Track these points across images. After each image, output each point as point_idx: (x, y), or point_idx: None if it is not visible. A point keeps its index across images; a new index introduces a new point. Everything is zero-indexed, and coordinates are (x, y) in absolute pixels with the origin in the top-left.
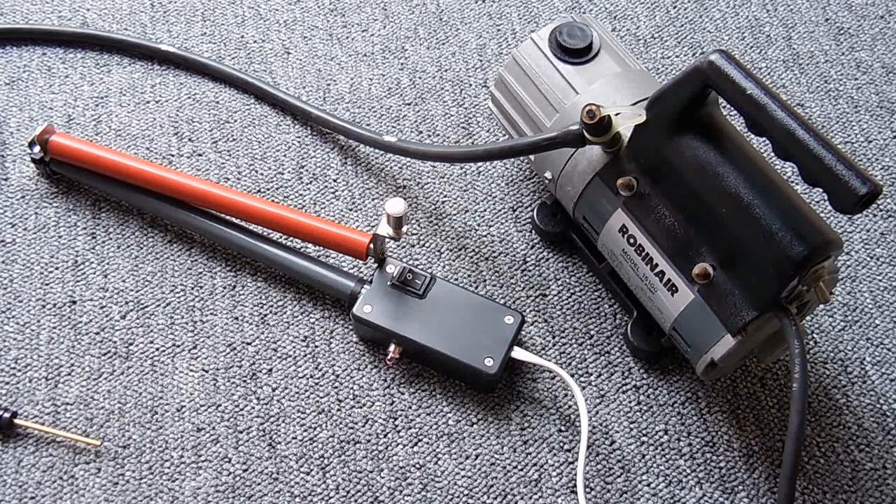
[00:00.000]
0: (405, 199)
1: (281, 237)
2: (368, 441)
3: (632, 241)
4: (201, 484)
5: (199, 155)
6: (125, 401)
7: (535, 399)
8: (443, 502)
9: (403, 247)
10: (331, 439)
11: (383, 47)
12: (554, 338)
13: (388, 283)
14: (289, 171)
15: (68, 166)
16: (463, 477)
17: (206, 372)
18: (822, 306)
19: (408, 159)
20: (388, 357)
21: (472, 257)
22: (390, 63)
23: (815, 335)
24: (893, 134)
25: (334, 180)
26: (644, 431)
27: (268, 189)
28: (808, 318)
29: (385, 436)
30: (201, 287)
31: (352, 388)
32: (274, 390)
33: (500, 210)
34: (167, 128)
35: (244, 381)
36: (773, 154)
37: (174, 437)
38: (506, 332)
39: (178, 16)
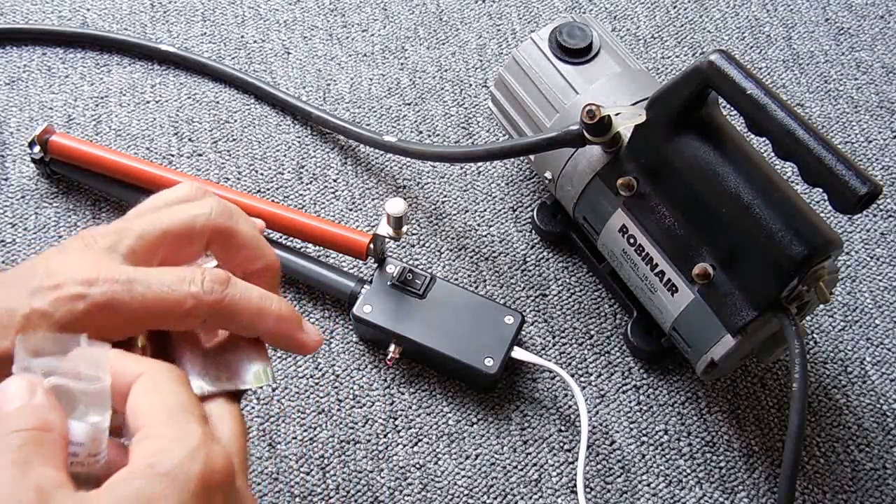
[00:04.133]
0: (405, 199)
1: (281, 237)
2: (368, 441)
3: (632, 241)
4: None
5: (199, 155)
6: None
7: (535, 399)
8: (443, 502)
9: (403, 247)
10: (331, 439)
11: (383, 47)
12: (554, 338)
13: (388, 283)
14: (289, 171)
15: (68, 166)
16: (463, 477)
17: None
18: (822, 306)
19: (408, 159)
20: (388, 357)
21: (472, 257)
22: (390, 63)
23: (815, 335)
24: (893, 134)
25: (334, 180)
26: (644, 431)
27: (268, 189)
28: (808, 318)
29: (385, 436)
30: None
31: (352, 388)
32: (274, 390)
33: (500, 210)
34: (167, 128)
35: None
36: (773, 154)
37: None
38: (506, 332)
39: (178, 16)
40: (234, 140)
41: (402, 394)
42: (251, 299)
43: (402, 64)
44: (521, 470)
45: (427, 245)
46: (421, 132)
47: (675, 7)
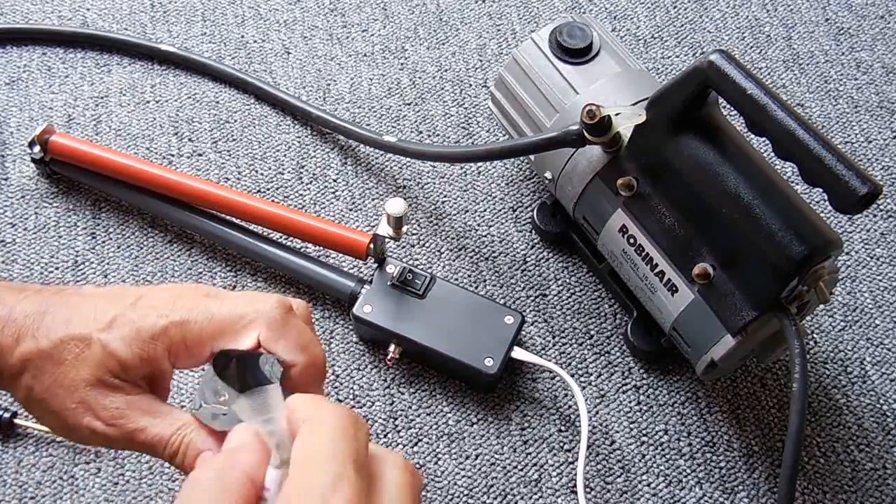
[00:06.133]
0: (405, 199)
1: (281, 237)
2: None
3: (632, 241)
4: None
5: (199, 155)
6: None
7: (535, 399)
8: (443, 502)
9: (403, 247)
10: None
11: (383, 47)
12: (554, 338)
13: (388, 283)
14: (289, 171)
15: (68, 166)
16: (463, 477)
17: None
18: (822, 306)
19: (408, 159)
20: (388, 357)
21: (472, 257)
22: (390, 63)
23: (815, 335)
24: (893, 134)
25: (334, 180)
26: (644, 431)
27: (268, 189)
28: (808, 318)
29: (385, 436)
30: None
31: (352, 388)
32: None
33: (500, 210)
34: (167, 128)
35: None
36: (773, 154)
37: None
38: (506, 332)
39: (178, 16)
40: (234, 140)
41: (402, 394)
42: (302, 334)
43: (402, 64)
44: (521, 470)
45: (427, 245)
46: (421, 132)
47: (675, 7)
